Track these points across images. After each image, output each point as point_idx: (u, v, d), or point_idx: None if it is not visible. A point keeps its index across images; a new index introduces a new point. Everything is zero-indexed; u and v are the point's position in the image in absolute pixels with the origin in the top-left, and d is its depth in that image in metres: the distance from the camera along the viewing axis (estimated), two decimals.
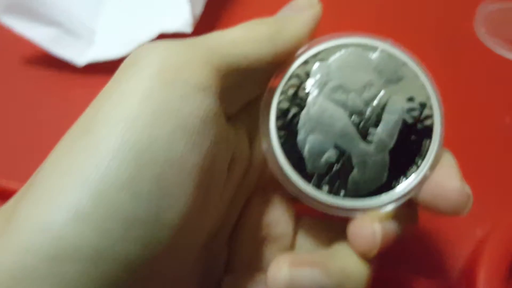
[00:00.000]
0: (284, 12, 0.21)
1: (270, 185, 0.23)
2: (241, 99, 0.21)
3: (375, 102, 0.20)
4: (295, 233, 0.23)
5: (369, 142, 0.20)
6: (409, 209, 0.20)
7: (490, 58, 0.40)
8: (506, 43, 0.40)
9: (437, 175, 0.19)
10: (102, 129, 0.15)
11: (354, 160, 0.20)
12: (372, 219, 0.19)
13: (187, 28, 0.36)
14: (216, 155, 0.17)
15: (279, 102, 0.20)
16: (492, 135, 0.35)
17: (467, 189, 0.19)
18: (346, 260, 0.19)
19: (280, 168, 0.20)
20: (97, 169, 0.14)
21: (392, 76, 0.20)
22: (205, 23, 0.39)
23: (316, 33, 0.22)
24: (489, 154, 0.34)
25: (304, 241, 0.23)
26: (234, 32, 0.19)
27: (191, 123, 0.16)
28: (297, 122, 0.20)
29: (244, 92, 0.21)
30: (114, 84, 0.16)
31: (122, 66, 0.17)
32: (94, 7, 0.39)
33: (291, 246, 0.23)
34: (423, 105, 0.20)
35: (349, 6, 0.43)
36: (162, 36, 0.36)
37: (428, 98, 0.20)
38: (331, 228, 0.22)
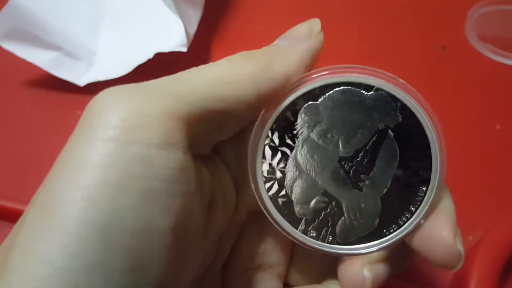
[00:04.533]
0: (279, 43, 0.20)
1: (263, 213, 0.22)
2: (219, 137, 0.19)
3: (368, 147, 0.19)
4: (289, 262, 0.23)
5: (360, 188, 0.19)
6: (403, 249, 0.20)
7: (481, 62, 0.40)
8: (497, 47, 0.40)
9: (431, 225, 0.18)
10: (64, 209, 0.14)
11: (344, 207, 0.19)
12: (362, 263, 0.19)
13: (182, 47, 0.37)
14: (189, 209, 0.16)
15: (266, 145, 0.19)
16: (483, 141, 0.35)
17: (459, 247, 0.18)
18: None
19: (268, 211, 0.19)
20: (64, 256, 0.13)
21: (388, 119, 0.19)
22: (200, 41, 0.40)
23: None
24: (481, 161, 0.35)
25: (297, 271, 0.23)
26: (213, 70, 0.17)
27: (157, 187, 0.15)
28: (285, 166, 0.19)
29: (223, 131, 0.19)
30: (72, 149, 0.15)
31: (79, 125, 0.16)
32: (92, 29, 0.40)
33: (285, 275, 0.23)
34: (420, 152, 0.19)
35: (338, 14, 0.44)
36: (158, 56, 0.37)
37: (427, 145, 0.19)
38: (325, 258, 0.22)
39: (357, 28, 0.43)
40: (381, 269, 0.19)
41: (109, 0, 0.42)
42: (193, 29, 0.38)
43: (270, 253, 0.22)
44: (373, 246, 0.19)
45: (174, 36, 0.37)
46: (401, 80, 0.19)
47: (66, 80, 0.38)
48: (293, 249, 0.23)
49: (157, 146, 0.15)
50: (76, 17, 0.39)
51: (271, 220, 0.20)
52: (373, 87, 0.19)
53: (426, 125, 0.18)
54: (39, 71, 0.38)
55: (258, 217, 0.22)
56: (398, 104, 0.18)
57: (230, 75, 0.17)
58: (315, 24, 0.20)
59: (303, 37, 0.19)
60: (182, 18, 0.37)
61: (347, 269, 0.19)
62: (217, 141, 0.20)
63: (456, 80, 0.39)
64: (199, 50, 0.41)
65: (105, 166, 0.14)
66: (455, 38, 0.41)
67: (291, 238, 0.20)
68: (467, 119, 0.37)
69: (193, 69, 0.18)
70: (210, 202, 0.19)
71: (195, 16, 0.39)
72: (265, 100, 0.18)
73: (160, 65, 0.36)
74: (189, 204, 0.16)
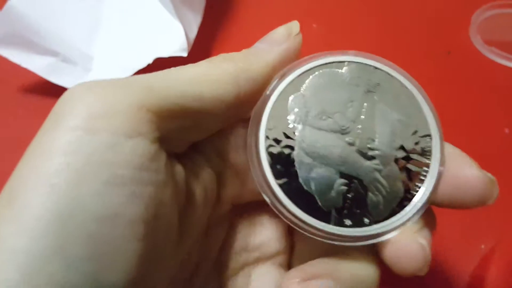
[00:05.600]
0: (259, 45, 0.20)
1: (253, 206, 0.22)
2: (197, 136, 0.20)
3: (362, 117, 0.19)
4: (291, 247, 0.22)
5: (373, 157, 0.19)
6: (428, 213, 0.19)
7: (487, 66, 0.39)
8: (502, 50, 0.39)
9: (451, 168, 0.18)
10: (25, 196, 0.14)
11: (365, 182, 0.19)
12: (411, 235, 0.18)
13: (183, 52, 0.36)
14: (161, 199, 0.16)
15: (268, 149, 0.19)
16: (492, 146, 0.35)
17: (489, 174, 0.18)
18: (355, 265, 0.19)
19: (294, 216, 0.18)
20: (22, 241, 0.13)
21: (369, 85, 0.20)
22: (201, 45, 0.39)
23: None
24: (491, 166, 0.34)
25: (302, 254, 0.22)
26: (192, 70, 0.18)
27: (124, 174, 0.15)
28: (293, 163, 0.19)
29: (201, 130, 0.19)
30: (38, 139, 0.15)
31: (49, 115, 0.16)
32: (90, 34, 0.39)
33: (288, 263, 0.22)
34: (409, 106, 0.19)
35: (342, 20, 0.43)
36: (158, 61, 0.36)
37: (413, 96, 0.19)
38: None
39: (361, 34, 0.42)
40: (428, 232, 0.18)
41: (107, 4, 0.41)
42: (193, 33, 0.37)
43: (268, 244, 0.22)
44: (411, 211, 0.18)
45: (174, 41, 0.36)
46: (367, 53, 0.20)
47: (62, 86, 0.37)
48: (293, 235, 0.23)
49: (124, 134, 0.15)
50: (72, 21, 0.39)
51: (300, 224, 0.18)
52: (344, 62, 0.20)
53: (403, 79, 0.20)
54: (35, 77, 0.37)
55: (246, 210, 0.22)
56: (372, 69, 0.20)
57: (209, 74, 0.18)
58: (293, 26, 0.20)
59: (282, 39, 0.20)
60: (182, 22, 0.36)
61: (399, 247, 0.18)
62: (194, 140, 0.20)
63: (463, 85, 0.38)
64: (200, 55, 0.40)
65: (69, 153, 0.14)
66: (460, 43, 0.41)
67: (325, 238, 0.18)
68: (475, 123, 0.36)
69: (173, 68, 0.18)
70: (188, 198, 0.19)
71: (195, 21, 0.39)
72: (246, 100, 0.19)
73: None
74: (160, 194, 0.16)
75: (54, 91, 0.37)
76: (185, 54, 0.36)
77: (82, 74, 0.38)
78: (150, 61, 0.36)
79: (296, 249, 0.23)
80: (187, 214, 0.19)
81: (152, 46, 0.37)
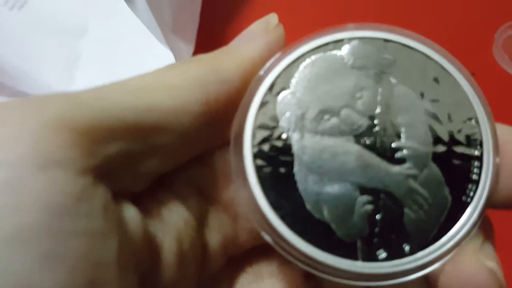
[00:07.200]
0: (232, 43, 0.17)
1: (257, 252, 0.18)
2: (160, 165, 0.15)
3: (378, 108, 0.15)
4: None
5: (402, 160, 0.14)
6: (485, 222, 0.15)
7: (510, 83, 0.38)
8: None
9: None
10: None
11: (397, 195, 0.14)
12: (473, 257, 0.14)
13: None
14: (98, 262, 0.12)
15: (258, 171, 0.14)
16: None
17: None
18: None
19: (306, 256, 0.14)
20: None
21: (381, 64, 0.15)
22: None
23: None
24: None
25: None
26: (145, 76, 0.14)
27: (33, 224, 0.11)
28: (295, 185, 0.14)
29: (167, 155, 0.15)
30: None
31: None
32: (70, 71, 0.36)
33: None
34: (436, 81, 0.15)
35: None
36: None
37: (444, 70, 0.15)
38: None
39: None
40: (492, 249, 0.15)
41: (89, 37, 0.38)
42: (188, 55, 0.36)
43: None
44: (466, 224, 0.14)
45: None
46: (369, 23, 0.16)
47: None
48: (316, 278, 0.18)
49: (33, 165, 0.11)
50: (47, 58, 0.36)
51: (317, 267, 0.14)
52: (343, 40, 0.15)
53: (426, 50, 0.15)
54: None
55: (248, 259, 0.18)
56: (381, 43, 0.15)
57: (166, 79, 0.14)
58: (271, 18, 0.17)
59: (259, 33, 0.16)
60: (173, 51, 0.34)
61: (459, 275, 0.14)
62: (159, 171, 0.15)
63: (490, 105, 0.36)
64: None
65: None
66: (484, 63, 0.39)
67: (354, 280, 0.14)
68: None
69: (125, 78, 0.14)
70: (152, 255, 0.14)
71: (187, 50, 0.37)
72: (220, 110, 0.15)
73: None
74: (96, 251, 0.12)
75: None
76: None
77: None
78: None
79: None
80: (155, 278, 0.14)
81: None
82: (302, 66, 0.15)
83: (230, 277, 0.18)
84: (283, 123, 0.15)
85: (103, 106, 0.13)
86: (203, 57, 0.15)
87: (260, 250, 0.17)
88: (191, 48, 0.37)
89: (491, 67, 0.38)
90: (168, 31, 0.34)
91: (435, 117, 0.15)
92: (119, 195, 0.13)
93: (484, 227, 0.15)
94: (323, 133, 0.15)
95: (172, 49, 0.33)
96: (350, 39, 0.15)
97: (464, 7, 0.41)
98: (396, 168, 0.14)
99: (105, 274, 0.12)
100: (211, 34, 0.42)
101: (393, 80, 0.15)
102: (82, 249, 0.11)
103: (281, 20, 0.17)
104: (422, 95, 0.15)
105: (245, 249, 0.18)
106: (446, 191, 0.14)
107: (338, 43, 0.15)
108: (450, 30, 0.41)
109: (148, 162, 0.14)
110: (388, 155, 0.14)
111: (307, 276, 0.18)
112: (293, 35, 0.17)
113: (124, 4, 0.33)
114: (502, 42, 0.39)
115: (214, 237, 0.17)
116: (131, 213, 0.14)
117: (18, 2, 0.37)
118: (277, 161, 0.14)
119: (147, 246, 0.14)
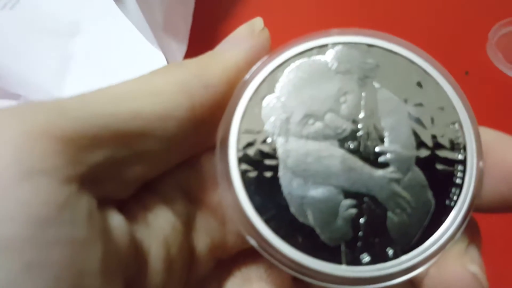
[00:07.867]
0: (217, 48, 0.17)
1: (246, 256, 0.18)
2: (149, 171, 0.15)
3: (362, 113, 0.15)
4: None
5: (385, 164, 0.15)
6: (471, 225, 0.15)
7: (507, 83, 0.38)
8: None
9: (495, 158, 0.14)
10: None
11: (381, 198, 0.14)
12: (457, 261, 0.14)
13: None
14: (82, 270, 0.12)
15: (243, 175, 0.15)
16: None
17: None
18: None
19: (291, 260, 0.14)
20: None
21: (364, 69, 0.15)
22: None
23: None
24: None
25: None
26: (128, 83, 0.14)
27: (13, 233, 0.11)
28: (279, 189, 0.14)
29: (153, 161, 0.15)
30: None
31: None
32: (61, 73, 0.36)
33: None
34: (420, 85, 0.15)
35: None
36: None
37: (427, 74, 0.15)
38: None
39: None
40: (477, 253, 0.15)
41: (80, 40, 0.38)
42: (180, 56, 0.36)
43: None
44: (450, 227, 0.14)
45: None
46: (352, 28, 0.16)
47: None
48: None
49: (14, 174, 0.11)
50: (38, 58, 0.35)
51: (297, 270, 0.14)
52: (327, 45, 0.16)
53: (409, 54, 0.15)
54: None
55: (237, 263, 0.18)
56: (365, 48, 0.16)
57: (150, 85, 0.14)
58: (256, 22, 0.17)
59: (244, 37, 0.17)
60: (164, 52, 0.33)
61: (442, 280, 0.14)
62: (145, 177, 0.15)
63: (484, 104, 0.36)
64: None
65: None
66: (477, 62, 0.39)
67: (338, 283, 0.14)
68: None
69: (109, 85, 0.14)
70: (139, 261, 0.14)
71: (179, 50, 0.36)
72: (205, 115, 0.15)
73: None
74: (80, 260, 0.12)
75: None
76: None
77: None
78: None
79: None
80: (143, 284, 0.14)
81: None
82: (287, 71, 0.15)
83: (219, 280, 0.18)
84: (268, 127, 0.15)
85: (87, 114, 0.13)
86: (188, 62, 0.15)
87: (249, 254, 0.17)
88: (184, 47, 0.37)
89: (485, 66, 0.38)
90: (159, 31, 0.34)
91: (418, 121, 0.15)
92: (105, 202, 0.13)
93: (470, 231, 0.15)
94: (308, 137, 0.15)
95: (163, 48, 0.33)
96: (334, 44, 0.16)
97: (458, 6, 0.41)
98: (379, 172, 0.14)
99: (89, 282, 0.12)
100: (205, 33, 0.41)
101: (376, 85, 0.15)
102: (66, 258, 0.11)
103: (268, 22, 0.17)
104: (405, 99, 0.15)
105: (233, 253, 0.17)
106: (430, 194, 0.14)
107: (322, 48, 0.16)
108: (444, 29, 0.40)
109: (134, 169, 0.14)
110: (372, 159, 0.15)
111: (296, 280, 0.18)
112: (280, 37, 0.17)
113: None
114: (496, 40, 0.39)
115: (202, 241, 0.17)
116: (116, 220, 0.14)
117: (10, 2, 0.37)
118: (262, 165, 0.15)
119: (134, 252, 0.14)
